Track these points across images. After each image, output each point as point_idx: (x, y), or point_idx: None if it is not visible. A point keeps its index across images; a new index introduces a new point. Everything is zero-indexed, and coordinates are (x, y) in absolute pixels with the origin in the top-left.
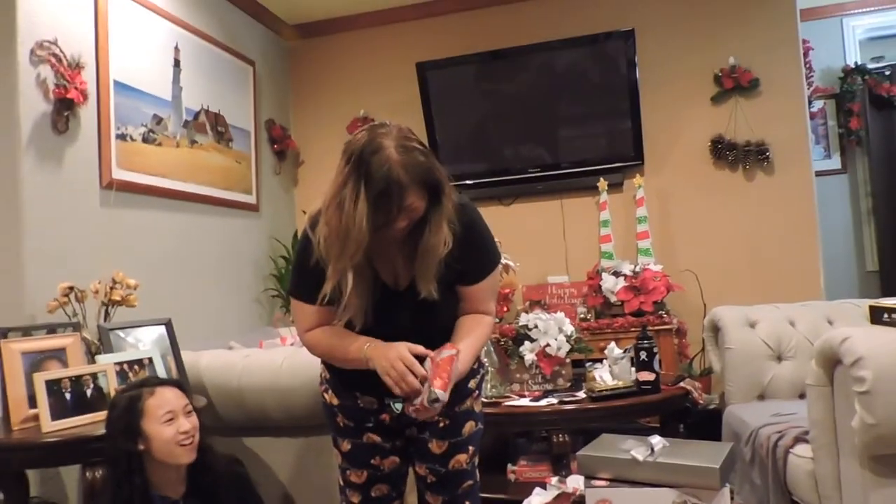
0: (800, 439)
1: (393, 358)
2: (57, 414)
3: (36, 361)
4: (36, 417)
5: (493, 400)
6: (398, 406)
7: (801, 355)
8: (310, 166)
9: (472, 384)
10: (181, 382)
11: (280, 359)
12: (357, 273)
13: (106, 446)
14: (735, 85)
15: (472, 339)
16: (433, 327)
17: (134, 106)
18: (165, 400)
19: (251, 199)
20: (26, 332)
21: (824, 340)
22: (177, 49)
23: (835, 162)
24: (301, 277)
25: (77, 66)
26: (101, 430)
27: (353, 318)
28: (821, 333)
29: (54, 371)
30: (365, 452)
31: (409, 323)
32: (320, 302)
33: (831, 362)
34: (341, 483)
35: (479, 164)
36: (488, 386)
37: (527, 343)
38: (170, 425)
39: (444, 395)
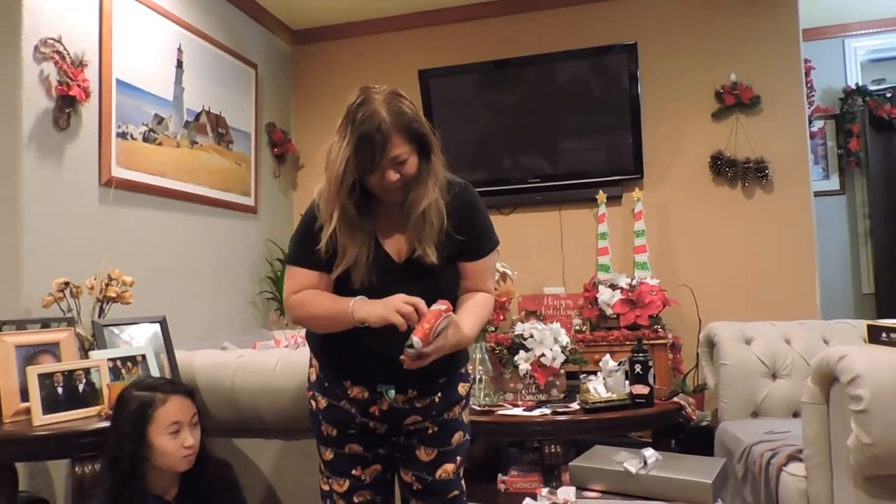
0: (793, 457)
1: (397, 301)
2: (48, 408)
3: (29, 355)
4: (27, 411)
5: (486, 408)
6: (391, 394)
7: (796, 373)
8: (309, 170)
9: (461, 390)
10: (192, 391)
11: (274, 360)
12: (345, 220)
13: (110, 445)
14: (736, 102)
15: (474, 307)
16: (433, 299)
17: (135, 105)
18: (175, 410)
19: (249, 202)
20: (21, 325)
21: (821, 358)
22: (180, 50)
23: (833, 182)
24: (301, 242)
25: (80, 64)
26: (93, 426)
27: (351, 272)
28: (817, 352)
29: (47, 365)
30: (346, 463)
31: (410, 294)
32: (325, 252)
33: (828, 380)
34: (325, 489)
35: (479, 172)
36: (482, 394)
37: (522, 352)
38: (174, 438)
39: (419, 343)
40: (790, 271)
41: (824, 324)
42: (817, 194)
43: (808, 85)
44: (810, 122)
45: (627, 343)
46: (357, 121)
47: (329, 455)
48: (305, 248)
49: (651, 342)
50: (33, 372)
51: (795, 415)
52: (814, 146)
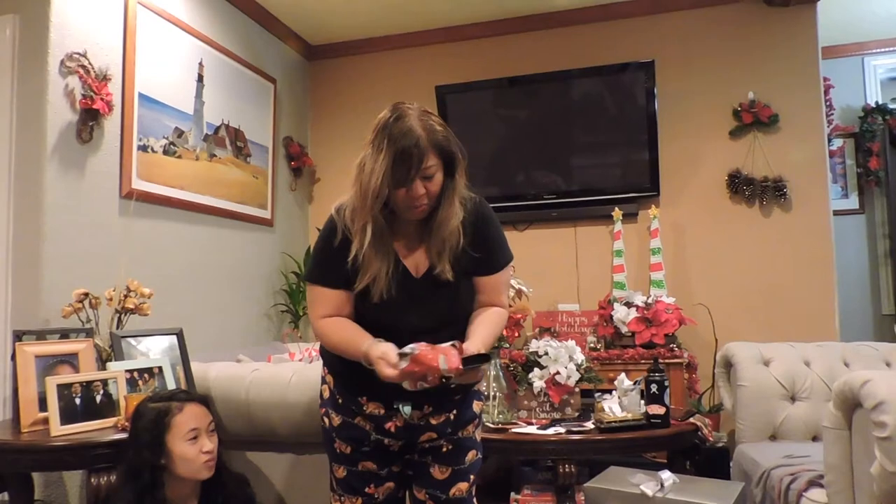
0: (814, 483)
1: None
2: (66, 419)
3: (48, 365)
4: (45, 421)
5: (500, 426)
6: (407, 410)
7: (815, 396)
8: (325, 184)
9: (476, 408)
10: (207, 399)
11: (289, 374)
12: (377, 233)
13: (130, 456)
14: (754, 120)
15: (487, 322)
16: (448, 313)
17: (156, 118)
18: (192, 416)
19: (266, 214)
20: (40, 335)
21: (843, 382)
22: (201, 65)
23: (852, 202)
24: (322, 261)
25: (104, 78)
26: (109, 437)
27: (371, 286)
28: (837, 375)
29: (66, 375)
30: (360, 480)
31: (426, 309)
32: (351, 264)
33: (850, 405)
34: None
35: (494, 188)
36: (495, 412)
37: (536, 370)
38: (193, 444)
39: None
40: (808, 291)
41: (844, 346)
42: (836, 213)
43: (827, 103)
44: (829, 140)
45: (643, 361)
46: (394, 135)
47: (342, 472)
48: (326, 266)
49: (666, 361)
50: (52, 382)
51: (815, 438)
52: (833, 165)
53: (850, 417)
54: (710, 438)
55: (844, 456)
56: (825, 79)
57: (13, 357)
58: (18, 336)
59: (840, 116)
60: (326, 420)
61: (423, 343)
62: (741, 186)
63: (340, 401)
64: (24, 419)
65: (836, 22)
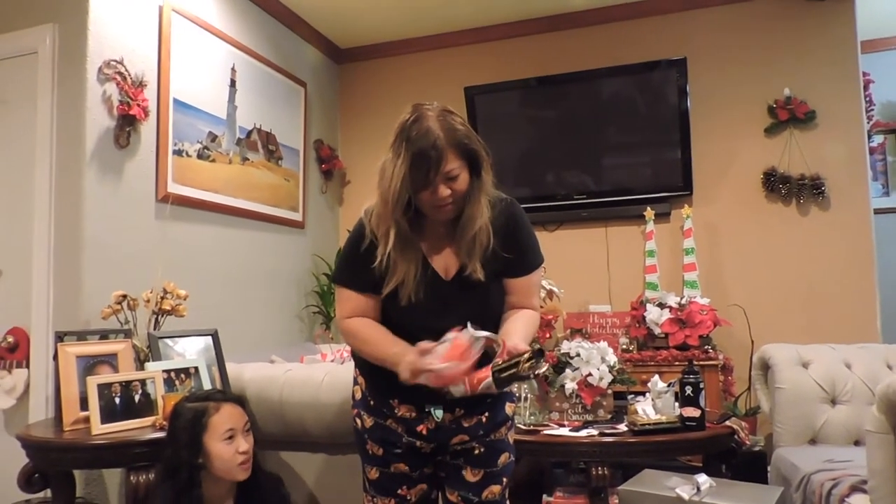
0: (856, 488)
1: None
2: (106, 417)
3: (89, 365)
4: (86, 419)
5: (532, 428)
6: (438, 413)
7: (857, 400)
8: (355, 186)
9: (508, 410)
10: (243, 399)
11: (321, 375)
12: (401, 237)
13: (168, 455)
14: (790, 117)
15: (521, 323)
16: (479, 315)
17: (191, 123)
18: (228, 417)
19: (297, 217)
20: (81, 336)
21: (887, 385)
22: (233, 70)
23: (894, 200)
24: (349, 263)
25: (140, 85)
26: (148, 436)
27: (399, 289)
28: (879, 378)
29: (106, 375)
30: (392, 482)
31: (456, 311)
32: (378, 268)
33: (895, 409)
34: None
35: (524, 188)
36: (527, 413)
37: (568, 371)
38: (229, 444)
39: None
40: (848, 292)
41: (887, 347)
42: (877, 211)
43: (867, 98)
44: (869, 136)
45: (676, 363)
46: (412, 138)
47: (374, 474)
48: (353, 270)
49: (701, 363)
50: (93, 382)
51: (857, 443)
52: (873, 162)
53: (894, 421)
54: (747, 442)
55: (889, 460)
56: (864, 73)
57: (55, 357)
58: (60, 337)
59: (880, 112)
60: (358, 421)
61: (452, 342)
62: (777, 185)
63: (372, 403)
64: (66, 418)
65: (875, 14)
